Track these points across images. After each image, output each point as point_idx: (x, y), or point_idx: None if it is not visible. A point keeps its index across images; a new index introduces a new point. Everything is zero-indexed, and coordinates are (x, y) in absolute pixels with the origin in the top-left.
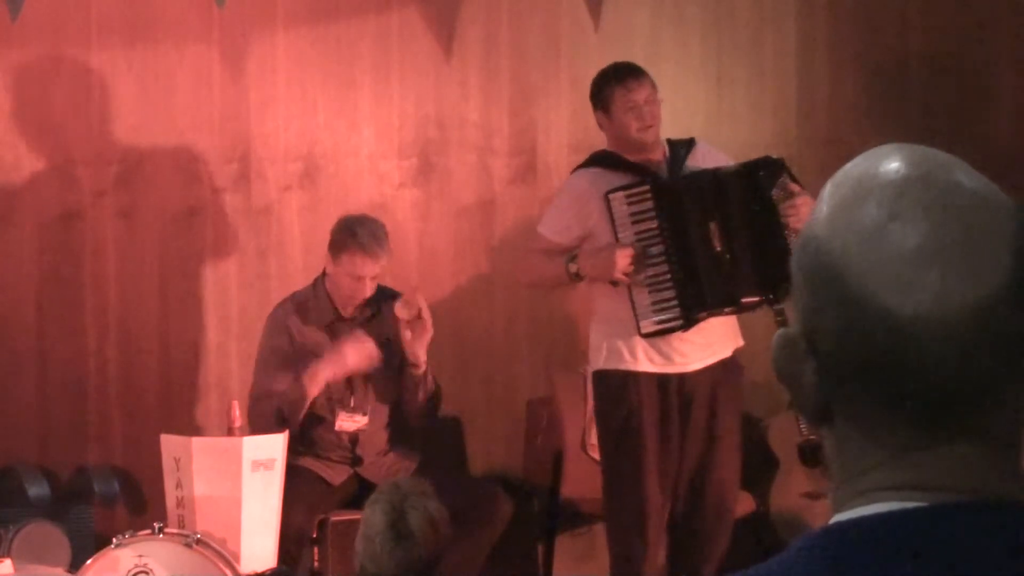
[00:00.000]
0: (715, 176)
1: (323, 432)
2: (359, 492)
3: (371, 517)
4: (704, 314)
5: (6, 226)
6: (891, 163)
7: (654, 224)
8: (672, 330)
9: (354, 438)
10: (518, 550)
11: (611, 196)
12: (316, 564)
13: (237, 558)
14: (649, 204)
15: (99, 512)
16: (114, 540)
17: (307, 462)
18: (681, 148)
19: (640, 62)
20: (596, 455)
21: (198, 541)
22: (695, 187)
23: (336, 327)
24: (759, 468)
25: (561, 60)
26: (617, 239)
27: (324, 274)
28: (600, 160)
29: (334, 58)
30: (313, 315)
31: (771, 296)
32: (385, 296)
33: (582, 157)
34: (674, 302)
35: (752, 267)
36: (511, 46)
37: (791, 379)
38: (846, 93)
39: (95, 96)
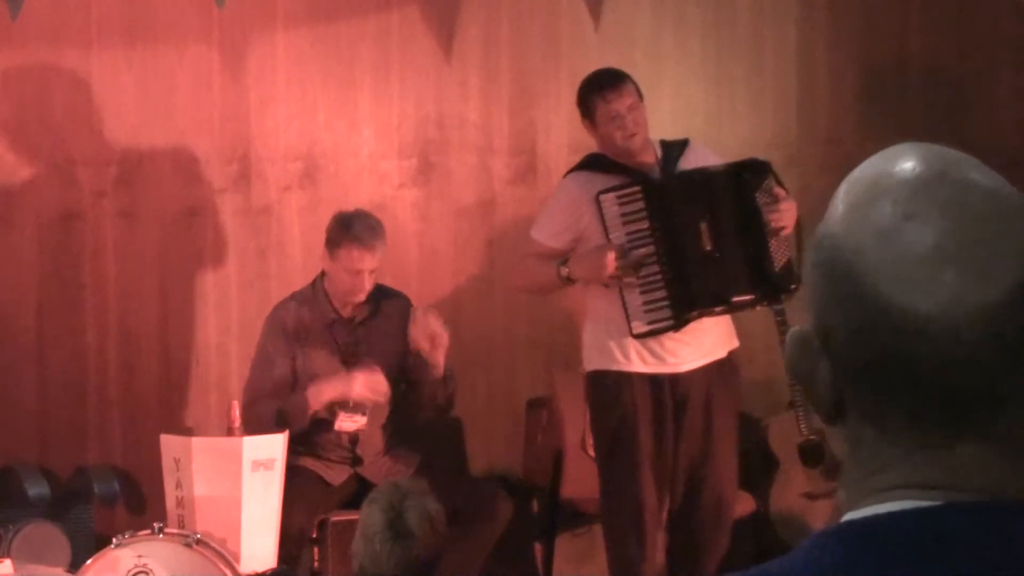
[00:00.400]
0: (702, 175)
1: (323, 432)
2: (359, 492)
3: (370, 517)
4: (695, 314)
5: (6, 226)
6: (906, 162)
7: (645, 225)
8: (664, 330)
9: (354, 438)
10: (518, 550)
11: (602, 197)
12: (316, 564)
13: (237, 558)
14: (640, 205)
15: (99, 512)
16: (114, 540)
17: (307, 462)
18: (674, 149)
19: (640, 62)
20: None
21: (198, 541)
22: (685, 187)
23: (335, 327)
24: (759, 468)
25: (561, 60)
26: (608, 240)
27: (323, 274)
28: (591, 163)
29: (334, 58)
30: (312, 315)
31: (762, 296)
32: (384, 295)
33: (582, 157)
34: (665, 302)
35: (742, 266)
36: (511, 46)
37: (804, 377)
38: (846, 93)
39: (95, 96)
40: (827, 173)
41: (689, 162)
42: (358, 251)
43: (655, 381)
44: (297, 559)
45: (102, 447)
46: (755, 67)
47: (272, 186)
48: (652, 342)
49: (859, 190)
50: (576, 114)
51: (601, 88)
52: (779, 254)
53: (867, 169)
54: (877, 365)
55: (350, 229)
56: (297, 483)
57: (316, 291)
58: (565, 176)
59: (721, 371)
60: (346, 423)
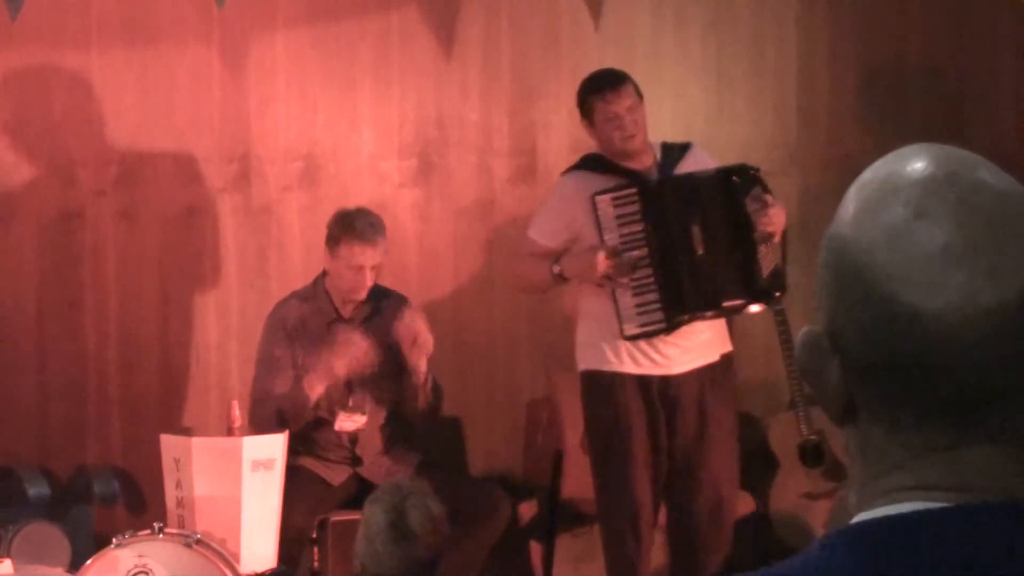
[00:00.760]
0: (693, 180)
1: (322, 432)
2: (359, 492)
3: (372, 517)
4: (686, 317)
5: (6, 226)
6: (917, 163)
7: (639, 227)
8: (655, 333)
9: (353, 438)
10: (518, 550)
11: (597, 198)
12: (316, 564)
13: (237, 558)
14: (635, 207)
15: (99, 512)
16: (114, 540)
17: (307, 462)
18: (674, 152)
19: (640, 62)
20: None
21: (198, 541)
22: (678, 190)
23: (336, 326)
24: (759, 468)
25: (561, 60)
26: (602, 241)
27: (324, 273)
28: (588, 164)
29: (334, 58)
30: (313, 314)
31: (750, 301)
32: (384, 295)
33: (582, 156)
34: (657, 305)
35: (733, 271)
36: (511, 46)
37: (815, 377)
38: (846, 93)
39: (95, 96)
40: (827, 173)
41: (688, 166)
42: (360, 247)
43: (646, 382)
44: (297, 559)
45: (102, 447)
46: (755, 67)
47: (272, 186)
48: (644, 344)
49: (870, 191)
50: (576, 114)
51: (600, 89)
52: (767, 260)
53: (878, 170)
54: (887, 366)
55: (351, 225)
56: (297, 483)
57: (317, 290)
58: (562, 175)
59: (714, 374)
60: (346, 423)
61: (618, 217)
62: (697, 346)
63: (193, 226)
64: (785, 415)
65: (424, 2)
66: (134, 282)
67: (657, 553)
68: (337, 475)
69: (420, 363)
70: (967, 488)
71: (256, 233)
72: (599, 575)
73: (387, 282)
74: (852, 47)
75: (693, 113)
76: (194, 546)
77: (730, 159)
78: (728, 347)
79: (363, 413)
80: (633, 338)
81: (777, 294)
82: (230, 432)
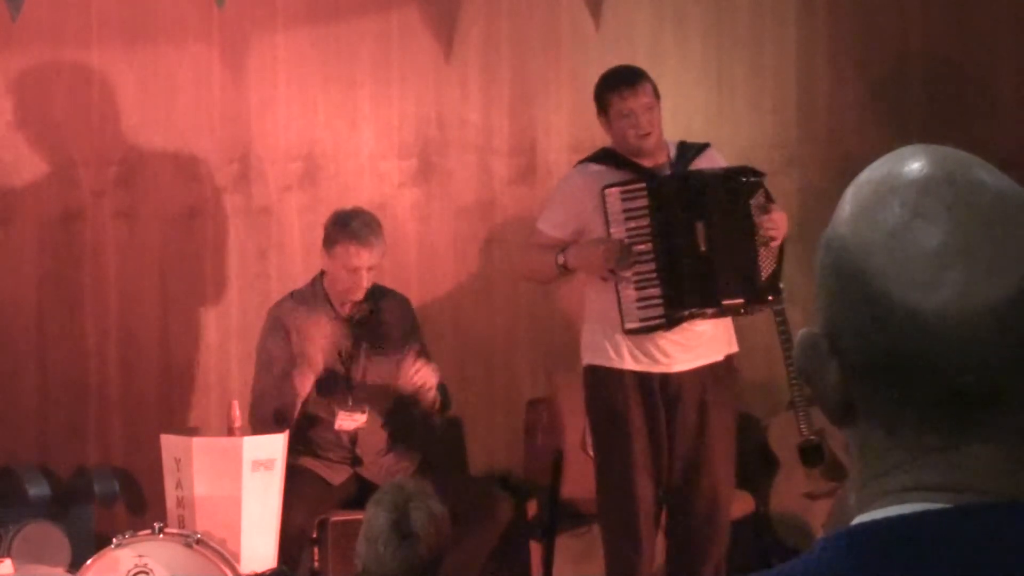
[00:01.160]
0: (700, 178)
1: (322, 432)
2: (359, 492)
3: (374, 517)
4: (686, 314)
5: (6, 226)
6: (914, 163)
7: (646, 222)
8: (655, 328)
9: (353, 437)
10: (518, 550)
11: (607, 191)
12: (316, 564)
13: (237, 558)
14: (643, 202)
15: (99, 512)
16: (114, 540)
17: (307, 462)
18: (690, 151)
19: (640, 62)
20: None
21: (198, 541)
22: (685, 187)
23: (334, 325)
24: (759, 468)
25: (561, 60)
26: (609, 234)
27: (322, 273)
28: (602, 157)
29: (334, 58)
30: (311, 313)
31: (748, 302)
32: (382, 295)
33: (582, 157)
34: (658, 300)
35: (734, 271)
36: (511, 46)
37: (814, 378)
38: (846, 93)
39: (95, 96)
40: (827, 173)
41: (700, 166)
42: (355, 248)
43: (646, 379)
44: (297, 559)
45: (102, 447)
46: (755, 67)
47: (272, 186)
48: (645, 341)
49: (867, 191)
50: (576, 114)
51: (618, 85)
52: (766, 263)
53: (875, 170)
54: (885, 366)
55: (347, 226)
56: (297, 483)
57: (315, 290)
58: (576, 166)
59: (717, 374)
60: (346, 422)
61: (626, 211)
62: (700, 345)
63: (193, 226)
64: (785, 415)
65: (424, 2)
66: (134, 282)
67: (658, 554)
68: (337, 475)
69: (429, 398)
70: (966, 488)
71: (256, 233)
72: (599, 575)
73: (387, 282)
74: (852, 47)
75: (693, 113)
76: (194, 546)
77: (730, 159)
78: (734, 348)
79: (363, 412)
80: (633, 332)
81: (771, 298)
82: (230, 432)
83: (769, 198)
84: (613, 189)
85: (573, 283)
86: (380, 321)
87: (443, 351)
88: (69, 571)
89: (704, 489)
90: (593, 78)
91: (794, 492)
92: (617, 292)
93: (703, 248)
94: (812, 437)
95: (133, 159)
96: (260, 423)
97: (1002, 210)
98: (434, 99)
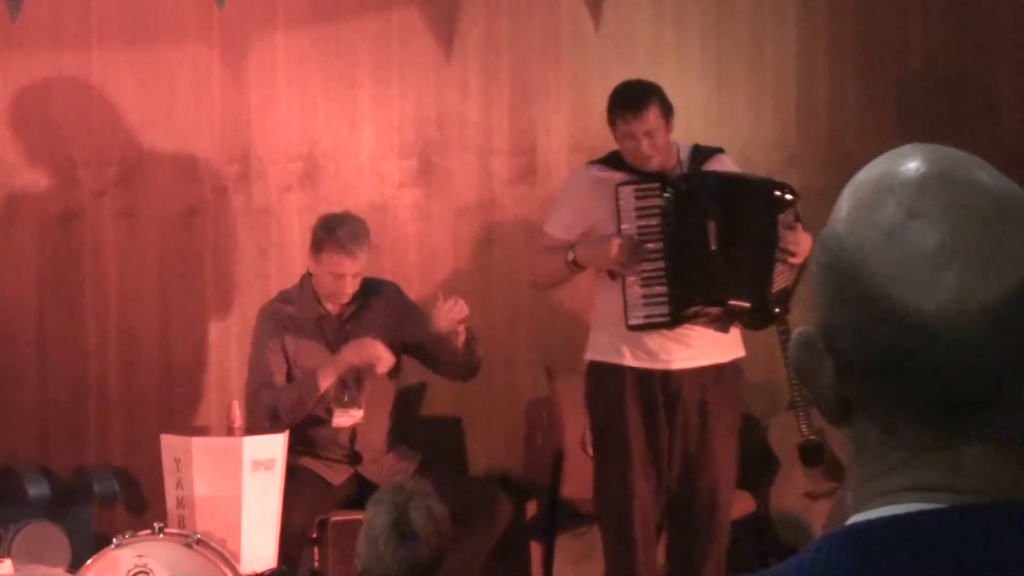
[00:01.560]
0: (734, 179)
1: (320, 431)
2: (359, 492)
3: (374, 517)
4: (691, 312)
5: (6, 226)
6: (911, 162)
7: (656, 220)
8: (659, 325)
9: (352, 434)
10: (518, 550)
11: (620, 188)
12: (316, 564)
13: (237, 558)
14: (656, 201)
15: (99, 512)
16: (114, 540)
17: (307, 462)
18: (701, 154)
19: (640, 62)
20: None
21: (198, 541)
22: (701, 186)
23: (323, 323)
24: (759, 468)
25: (561, 60)
26: (619, 231)
27: (310, 273)
28: (610, 161)
29: (334, 58)
30: (300, 312)
31: (755, 308)
32: (370, 288)
33: (582, 157)
34: (664, 298)
35: (745, 274)
36: (511, 46)
37: (810, 378)
38: (846, 93)
39: (95, 96)
40: (827, 173)
41: (709, 168)
42: (339, 257)
43: (646, 376)
44: (297, 559)
45: (102, 447)
46: (755, 67)
47: (272, 186)
48: (646, 339)
49: (864, 190)
50: (576, 114)
51: (623, 109)
52: (780, 278)
53: (872, 170)
54: (882, 365)
55: (334, 234)
56: (297, 483)
57: (304, 289)
58: (586, 166)
59: (721, 375)
60: (342, 419)
61: (638, 209)
62: (702, 345)
63: (193, 226)
64: (785, 415)
65: (424, 2)
66: (134, 282)
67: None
68: (337, 475)
69: (459, 341)
70: (963, 489)
71: (256, 233)
72: (599, 575)
73: None
74: (852, 47)
75: (693, 113)
76: (194, 546)
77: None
78: (740, 352)
79: (359, 408)
80: (636, 328)
81: (777, 311)
82: (230, 432)
83: (798, 219)
84: (627, 187)
85: (574, 282)
86: (370, 316)
87: None
88: (69, 571)
89: (704, 489)
90: (593, 78)
91: (794, 492)
92: (623, 289)
93: (713, 247)
94: (812, 437)
95: (133, 159)
96: (259, 411)
97: (999, 210)
98: (434, 99)
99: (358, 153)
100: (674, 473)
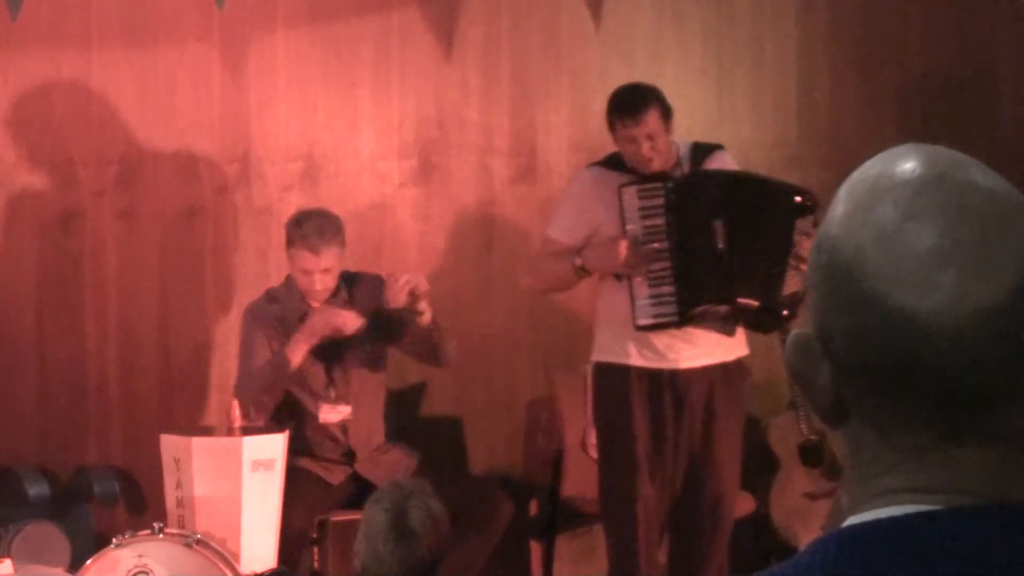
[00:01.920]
0: (756, 181)
1: (312, 430)
2: (358, 492)
3: (373, 517)
4: (699, 311)
5: (6, 226)
6: (907, 163)
7: (661, 220)
8: (667, 325)
9: (344, 429)
10: (518, 550)
11: (624, 189)
12: (316, 564)
13: (237, 558)
14: (660, 200)
15: (99, 512)
16: (114, 540)
17: (305, 463)
18: (701, 152)
19: (641, 62)
20: (595, 455)
21: (198, 541)
22: (708, 184)
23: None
24: (759, 468)
25: (561, 60)
26: (624, 232)
27: None
28: (611, 163)
29: (334, 58)
30: (285, 310)
31: (763, 308)
32: (353, 282)
33: (582, 157)
34: (672, 298)
35: (755, 273)
36: (511, 46)
37: (805, 380)
38: (846, 93)
39: (95, 96)
40: (827, 173)
41: (709, 166)
42: (305, 253)
43: (653, 376)
44: (297, 559)
45: (102, 447)
46: (755, 67)
47: (272, 186)
48: (653, 338)
49: (860, 191)
50: (576, 114)
51: (621, 113)
52: (792, 282)
53: (868, 170)
54: (877, 367)
55: (299, 229)
56: (297, 483)
57: (289, 287)
58: (587, 168)
59: (726, 374)
60: (330, 415)
61: (642, 209)
62: (708, 343)
63: (193, 226)
64: (785, 415)
65: (424, 2)
66: (134, 282)
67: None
68: (336, 475)
69: (424, 307)
70: (959, 490)
71: (256, 233)
72: (599, 575)
73: None
74: (852, 47)
75: (693, 113)
76: (194, 546)
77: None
78: (744, 350)
79: (347, 403)
80: (645, 329)
81: (785, 313)
82: (230, 432)
83: (816, 226)
84: (631, 187)
85: (592, 281)
86: (355, 309)
87: None
88: (69, 571)
89: (708, 490)
90: (593, 78)
91: (794, 492)
92: (630, 289)
93: (720, 246)
94: (812, 437)
95: (133, 159)
96: (246, 400)
97: (995, 211)
98: (434, 99)
99: (358, 153)
100: (679, 475)
